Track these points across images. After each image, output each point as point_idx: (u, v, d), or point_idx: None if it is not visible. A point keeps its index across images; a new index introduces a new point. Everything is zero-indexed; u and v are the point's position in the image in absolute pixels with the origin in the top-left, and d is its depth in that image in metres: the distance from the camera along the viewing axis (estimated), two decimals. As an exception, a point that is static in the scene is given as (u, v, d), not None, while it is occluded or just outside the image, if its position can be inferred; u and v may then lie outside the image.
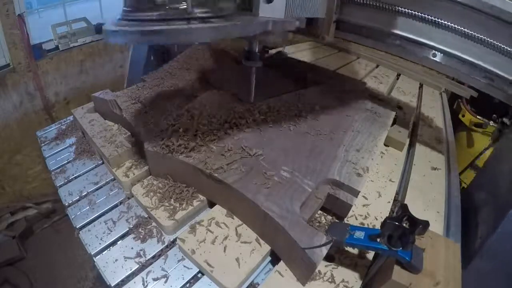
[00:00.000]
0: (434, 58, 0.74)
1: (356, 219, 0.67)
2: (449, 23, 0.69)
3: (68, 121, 1.04)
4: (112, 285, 0.55)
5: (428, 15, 0.71)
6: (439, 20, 0.70)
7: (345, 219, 0.67)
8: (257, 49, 0.78)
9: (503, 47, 0.66)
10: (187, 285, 0.56)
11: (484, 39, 0.67)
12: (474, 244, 0.77)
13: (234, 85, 0.97)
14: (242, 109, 0.83)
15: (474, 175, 1.77)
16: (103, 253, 0.61)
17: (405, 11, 0.73)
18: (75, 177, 0.81)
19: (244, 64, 0.81)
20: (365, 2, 0.76)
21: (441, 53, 0.74)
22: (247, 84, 0.86)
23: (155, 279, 0.56)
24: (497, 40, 0.66)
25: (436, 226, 0.71)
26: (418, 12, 0.71)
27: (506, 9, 0.62)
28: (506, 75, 0.68)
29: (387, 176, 0.82)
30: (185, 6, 0.52)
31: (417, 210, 0.74)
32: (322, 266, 0.56)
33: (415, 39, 0.75)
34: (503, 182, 0.79)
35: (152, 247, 0.62)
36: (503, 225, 0.69)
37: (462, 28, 0.68)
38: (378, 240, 0.47)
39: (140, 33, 0.49)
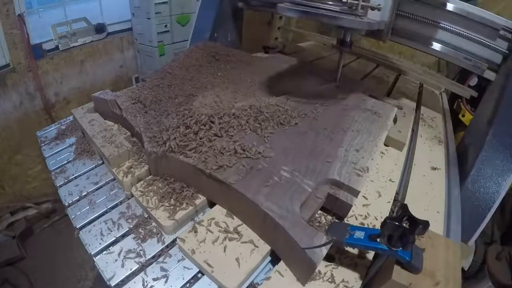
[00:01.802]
0: (431, 47, 1.07)
1: (356, 219, 0.67)
2: (445, 25, 1.01)
3: (68, 121, 1.04)
4: (112, 285, 0.55)
5: (432, 20, 1.01)
6: (439, 23, 1.01)
7: (345, 219, 0.67)
8: (348, 39, 1.00)
9: (479, 39, 0.99)
10: (187, 285, 0.56)
11: (467, 34, 0.99)
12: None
13: (233, 85, 0.97)
14: (242, 109, 0.83)
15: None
16: (103, 253, 0.61)
17: (420, 19, 1.02)
18: (75, 177, 0.81)
19: (338, 49, 1.04)
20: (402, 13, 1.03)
21: (437, 43, 1.06)
22: (334, 66, 1.13)
23: (155, 279, 0.56)
24: (476, 34, 0.98)
25: (436, 226, 0.71)
26: (429, 19, 1.02)
27: (484, 16, 0.95)
28: (480, 55, 1.01)
29: (387, 176, 0.82)
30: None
31: (417, 210, 0.74)
32: (322, 266, 0.56)
33: (421, 33, 1.05)
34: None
35: (152, 247, 0.62)
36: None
37: (453, 27, 1.00)
38: (378, 240, 0.47)
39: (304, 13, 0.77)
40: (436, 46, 1.05)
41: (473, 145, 1.03)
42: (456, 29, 1.00)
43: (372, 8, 0.83)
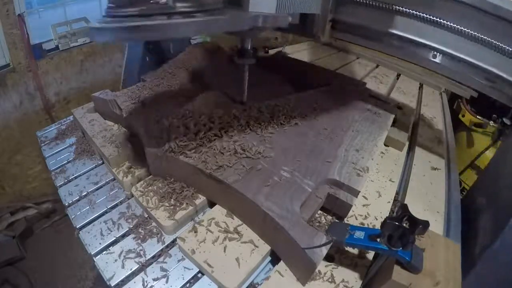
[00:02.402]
0: (434, 60, 0.72)
1: (356, 219, 0.67)
2: (449, 23, 0.67)
3: (68, 121, 1.04)
4: (112, 285, 0.55)
5: (427, 15, 0.69)
6: (439, 19, 0.68)
7: (345, 219, 0.67)
8: (249, 46, 0.75)
9: (505, 48, 0.63)
10: (187, 285, 0.56)
11: (485, 39, 0.65)
12: (474, 250, 0.75)
13: (229, 85, 0.97)
14: (242, 109, 0.83)
15: (474, 175, 1.78)
16: (103, 253, 0.61)
17: (404, 10, 0.71)
18: (75, 177, 0.81)
19: (236, 62, 0.79)
20: (362, 0, 0.74)
21: (441, 54, 0.71)
22: (240, 83, 0.85)
23: (155, 279, 0.56)
24: (499, 40, 0.64)
25: (436, 226, 0.71)
26: (417, 12, 0.69)
27: (508, 8, 0.60)
28: (508, 77, 0.66)
29: (387, 176, 0.82)
30: (166, 1, 0.50)
31: (417, 210, 0.74)
32: (322, 266, 0.56)
33: (414, 40, 0.73)
34: (504, 186, 0.77)
35: (152, 247, 0.62)
36: (504, 235, 0.67)
37: (463, 28, 0.66)
38: (378, 240, 0.47)
39: (121, 29, 0.47)
40: (441, 59, 0.72)
41: (489, 210, 0.78)
42: (472, 32, 0.65)
43: None
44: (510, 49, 0.63)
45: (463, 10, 0.65)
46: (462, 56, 0.69)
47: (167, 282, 0.56)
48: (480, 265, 0.72)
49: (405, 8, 0.71)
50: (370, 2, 0.74)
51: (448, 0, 0.65)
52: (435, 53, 0.72)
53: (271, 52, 1.66)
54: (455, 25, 0.67)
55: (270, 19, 0.60)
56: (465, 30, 0.66)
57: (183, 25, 0.49)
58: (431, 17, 0.69)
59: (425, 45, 0.73)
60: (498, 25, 0.63)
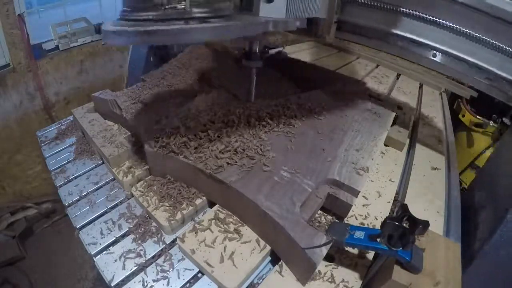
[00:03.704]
0: (434, 58, 0.74)
1: (356, 219, 0.67)
2: (449, 23, 0.69)
3: (68, 121, 1.04)
4: (112, 285, 0.55)
5: (428, 15, 0.70)
6: (440, 20, 0.69)
7: (345, 219, 0.67)
8: (257, 49, 0.77)
9: (504, 48, 0.65)
10: (187, 285, 0.56)
11: (485, 39, 0.66)
12: (474, 246, 0.76)
13: (234, 85, 0.97)
14: (242, 109, 0.83)
15: (474, 175, 1.78)
16: (103, 253, 0.61)
17: (405, 11, 0.72)
18: (75, 177, 0.81)
19: (244, 65, 0.80)
20: (366, 2, 0.75)
21: (441, 53, 0.73)
22: (247, 84, 0.86)
23: (155, 279, 0.56)
24: (498, 40, 0.65)
25: (436, 226, 0.71)
26: (418, 12, 0.71)
27: (506, 9, 0.62)
28: (507, 76, 0.67)
29: (387, 176, 0.82)
30: (183, 6, 0.51)
31: (417, 210, 0.74)
32: (322, 266, 0.57)
33: (416, 39, 0.74)
34: (502, 184, 0.78)
35: (152, 247, 0.62)
36: (501, 229, 0.68)
37: (462, 28, 0.69)
38: (378, 240, 0.47)
39: (139, 33, 0.48)
40: (440, 58, 0.74)
41: (489, 206, 0.79)
42: (471, 32, 0.67)
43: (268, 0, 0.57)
44: (509, 49, 0.64)
45: (461, 10, 0.67)
46: (461, 55, 0.71)
47: (167, 282, 0.56)
48: (479, 260, 0.73)
49: (407, 9, 0.72)
50: (374, 4, 0.75)
51: (447, 1, 0.67)
52: (435, 52, 0.73)
53: (271, 52, 1.66)
54: (454, 25, 0.68)
55: (280, 24, 0.62)
56: (463, 30, 0.68)
57: (199, 30, 0.50)
58: (431, 17, 0.70)
59: (425, 45, 0.74)
60: (496, 25, 0.64)
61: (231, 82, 1.02)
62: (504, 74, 0.68)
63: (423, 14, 0.71)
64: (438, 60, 0.74)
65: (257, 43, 0.76)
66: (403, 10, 0.73)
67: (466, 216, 0.80)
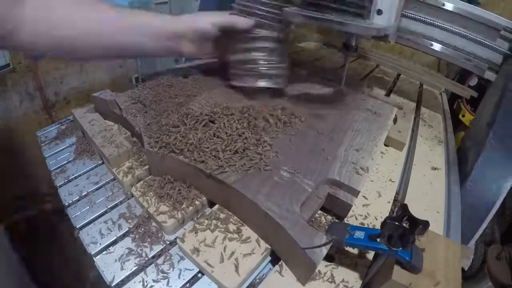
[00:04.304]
0: (432, 47, 1.07)
1: (356, 219, 0.67)
2: (445, 25, 1.02)
3: (68, 121, 1.04)
4: (112, 285, 0.55)
5: (432, 20, 1.03)
6: (438, 23, 1.02)
7: (345, 219, 0.67)
8: (354, 43, 0.97)
9: (480, 39, 0.99)
10: (187, 285, 0.56)
11: (468, 34, 1.00)
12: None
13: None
14: (242, 110, 0.83)
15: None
16: (103, 253, 0.61)
17: (414, 16, 1.04)
18: (75, 177, 0.81)
19: (343, 53, 1.02)
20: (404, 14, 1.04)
21: (437, 43, 1.06)
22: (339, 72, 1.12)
23: (155, 280, 0.56)
24: (476, 34, 0.99)
25: (436, 226, 0.72)
26: (424, 18, 1.03)
27: (485, 17, 0.95)
28: (480, 56, 1.02)
29: (387, 176, 0.82)
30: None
31: (417, 210, 0.74)
32: (322, 266, 0.57)
33: (422, 34, 1.06)
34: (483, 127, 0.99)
35: (152, 247, 0.62)
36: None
37: (453, 28, 1.01)
38: (378, 240, 0.47)
39: (314, 18, 0.73)
40: (436, 46, 1.05)
41: (473, 147, 1.02)
42: (457, 29, 0.99)
43: (379, 12, 0.78)
44: (481, 40, 0.99)
45: (454, 17, 1.01)
46: (451, 43, 1.04)
47: (167, 282, 0.56)
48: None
49: (416, 15, 1.04)
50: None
51: (448, 12, 1.00)
52: (432, 42, 1.07)
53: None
54: (447, 26, 1.02)
55: (382, 30, 0.78)
56: (453, 29, 1.02)
57: (352, 25, 0.72)
58: (433, 21, 1.04)
59: (427, 37, 1.07)
60: (474, 24, 0.98)
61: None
62: (478, 54, 1.02)
63: (428, 19, 1.03)
64: (436, 49, 1.06)
65: (354, 37, 0.96)
66: (412, 16, 1.05)
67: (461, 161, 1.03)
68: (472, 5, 0.97)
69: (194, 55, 0.93)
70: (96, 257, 0.60)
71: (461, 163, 1.03)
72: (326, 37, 2.04)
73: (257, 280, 0.58)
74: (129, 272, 0.58)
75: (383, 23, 0.80)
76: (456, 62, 1.05)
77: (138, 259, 0.60)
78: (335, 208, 0.69)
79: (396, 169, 0.87)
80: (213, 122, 0.76)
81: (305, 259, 0.51)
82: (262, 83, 0.93)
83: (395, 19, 0.86)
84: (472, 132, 1.14)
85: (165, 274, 0.57)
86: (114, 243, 0.63)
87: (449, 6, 0.98)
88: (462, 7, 0.96)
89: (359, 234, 0.50)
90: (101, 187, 0.78)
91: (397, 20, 0.90)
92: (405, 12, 1.01)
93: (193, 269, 0.58)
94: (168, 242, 0.64)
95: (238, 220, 0.65)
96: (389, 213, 0.71)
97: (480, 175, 0.94)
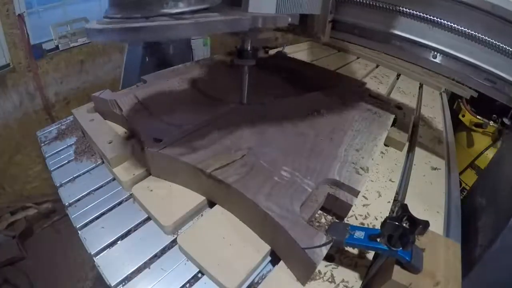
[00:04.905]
0: (434, 60, 0.73)
1: (356, 219, 0.67)
2: (449, 23, 0.67)
3: (68, 121, 1.04)
4: (112, 285, 0.55)
5: (428, 15, 0.69)
6: (440, 19, 0.68)
7: (345, 219, 0.67)
8: (249, 47, 0.76)
9: (506, 48, 0.63)
10: (187, 285, 0.56)
11: (486, 39, 0.64)
12: (474, 252, 0.74)
13: (229, 88, 0.97)
14: (242, 110, 0.83)
15: (474, 175, 1.78)
16: (103, 253, 0.61)
17: (403, 10, 0.71)
18: (75, 177, 0.81)
19: (236, 63, 0.79)
20: (362, 1, 0.74)
21: (441, 54, 0.72)
22: (240, 84, 0.85)
23: (155, 280, 0.56)
24: (499, 40, 0.64)
25: (436, 226, 0.71)
26: (417, 12, 0.69)
27: (508, 9, 0.61)
28: (508, 77, 0.66)
29: (387, 176, 0.82)
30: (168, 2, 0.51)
31: (417, 210, 0.74)
32: (322, 266, 0.57)
33: (415, 40, 0.73)
34: (504, 187, 0.77)
35: (152, 247, 0.62)
36: (503, 235, 0.66)
37: (463, 28, 0.67)
38: (378, 240, 0.47)
39: (124, 30, 0.48)
40: (438, 58, 0.73)
41: (489, 211, 0.78)
42: (470, 32, 0.65)
43: None
44: (510, 49, 0.63)
45: (461, 9, 0.66)
46: (462, 56, 0.70)
47: (167, 282, 0.56)
48: (480, 266, 0.71)
49: (405, 8, 0.71)
50: (370, 2, 0.74)
51: (447, 0, 0.66)
52: (435, 53, 0.73)
53: (271, 52, 1.66)
54: (454, 25, 0.67)
55: (269, 19, 0.60)
56: (464, 30, 0.67)
57: (186, 26, 0.49)
58: (430, 16, 0.69)
59: (424, 45, 0.73)
60: (498, 25, 0.63)
61: (228, 85, 1.02)
62: (505, 75, 0.66)
63: (422, 13, 0.69)
64: (438, 61, 0.73)
65: (248, 40, 0.75)
66: (400, 9, 0.71)
67: (467, 220, 0.78)
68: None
69: None
70: (96, 257, 0.60)
71: (468, 222, 0.77)
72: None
73: (257, 280, 0.58)
74: (129, 272, 0.57)
75: (263, 10, 0.57)
76: (468, 83, 0.73)
77: (138, 259, 0.60)
78: (335, 208, 0.69)
79: (396, 169, 0.87)
80: (213, 121, 0.76)
81: (305, 259, 0.51)
82: None
83: (309, 5, 0.65)
84: (487, 187, 0.83)
85: (165, 274, 0.57)
86: (114, 243, 0.63)
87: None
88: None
89: (359, 234, 0.50)
90: (101, 187, 0.78)
91: (322, 6, 0.69)
92: (397, 7, 0.71)
93: (193, 269, 0.58)
94: (168, 242, 0.64)
95: (238, 220, 0.65)
96: (389, 213, 0.71)
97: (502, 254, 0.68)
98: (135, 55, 1.35)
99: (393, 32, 0.75)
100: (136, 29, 0.47)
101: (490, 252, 0.69)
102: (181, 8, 0.52)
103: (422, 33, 0.72)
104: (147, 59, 1.31)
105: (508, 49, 0.63)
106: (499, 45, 0.64)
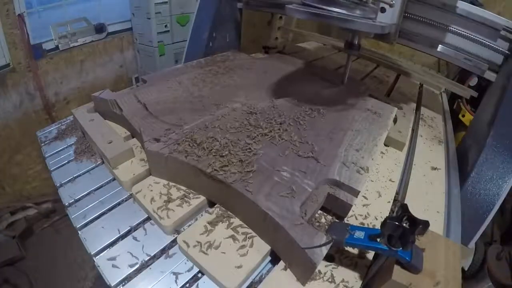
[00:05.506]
0: (432, 48, 1.06)
1: (356, 219, 0.67)
2: (445, 26, 1.01)
3: (68, 121, 1.04)
4: (112, 285, 0.55)
5: (433, 21, 1.02)
6: (439, 23, 1.01)
7: (345, 219, 0.67)
8: (356, 41, 1.00)
9: (480, 39, 0.99)
10: (187, 285, 0.56)
11: (468, 34, 1.00)
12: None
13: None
14: (242, 111, 0.83)
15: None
16: (103, 252, 0.61)
17: (423, 20, 1.03)
18: (75, 177, 0.81)
19: (345, 52, 1.05)
20: (413, 17, 1.04)
21: (442, 45, 1.05)
22: (344, 69, 1.12)
23: (155, 280, 0.56)
24: (476, 35, 0.99)
25: (436, 226, 0.72)
26: (435, 22, 1.02)
27: (485, 16, 0.95)
28: (481, 56, 1.02)
29: (387, 176, 0.82)
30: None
31: (417, 210, 0.74)
32: (322, 266, 0.57)
33: (422, 34, 1.05)
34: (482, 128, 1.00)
35: (152, 247, 0.62)
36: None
37: (454, 28, 1.00)
38: (378, 240, 0.47)
39: (309, 14, 0.74)
40: (437, 47, 1.06)
41: (473, 147, 1.02)
42: (457, 29, 1.00)
43: (382, 10, 0.83)
44: (481, 40, 0.99)
45: (455, 18, 0.99)
46: (453, 44, 1.03)
47: (167, 282, 0.56)
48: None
49: (428, 20, 1.02)
50: (420, 19, 1.04)
51: (449, 13, 0.99)
52: (438, 44, 1.06)
53: (271, 52, 1.66)
54: (453, 28, 1.01)
55: (386, 27, 0.82)
56: (459, 30, 1.01)
57: (359, 23, 0.75)
58: (442, 25, 1.03)
59: (435, 40, 1.05)
60: (476, 25, 0.97)
61: (232, 84, 1.02)
62: (478, 54, 1.02)
63: (439, 23, 1.02)
64: (439, 50, 1.05)
65: (357, 36, 0.98)
66: (427, 21, 1.03)
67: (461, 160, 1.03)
68: (473, 5, 0.96)
69: None
70: (96, 257, 0.60)
71: (461, 163, 1.03)
72: (325, 37, 2.04)
73: (257, 280, 0.58)
74: (129, 272, 0.58)
75: (386, 20, 0.80)
76: (456, 62, 1.05)
77: (138, 259, 0.60)
78: (335, 208, 0.69)
79: (396, 169, 0.87)
80: (213, 121, 0.76)
81: (305, 259, 0.51)
82: None
83: (397, 18, 0.88)
84: (472, 132, 1.14)
85: (165, 274, 0.57)
86: (114, 243, 0.63)
87: (450, 7, 0.97)
88: (464, 8, 0.96)
89: (359, 234, 0.50)
90: (101, 187, 0.78)
91: (400, 20, 0.92)
92: (409, 14, 1.02)
93: (193, 269, 0.58)
94: (168, 242, 0.64)
95: (239, 220, 0.65)
96: (389, 213, 0.71)
97: (480, 175, 0.93)
98: (201, 25, 1.37)
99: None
100: (317, 14, 0.74)
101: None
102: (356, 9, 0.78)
103: (435, 33, 1.06)
104: (210, 44, 1.36)
105: (477, 38, 1.00)
106: (476, 37, 1.00)
